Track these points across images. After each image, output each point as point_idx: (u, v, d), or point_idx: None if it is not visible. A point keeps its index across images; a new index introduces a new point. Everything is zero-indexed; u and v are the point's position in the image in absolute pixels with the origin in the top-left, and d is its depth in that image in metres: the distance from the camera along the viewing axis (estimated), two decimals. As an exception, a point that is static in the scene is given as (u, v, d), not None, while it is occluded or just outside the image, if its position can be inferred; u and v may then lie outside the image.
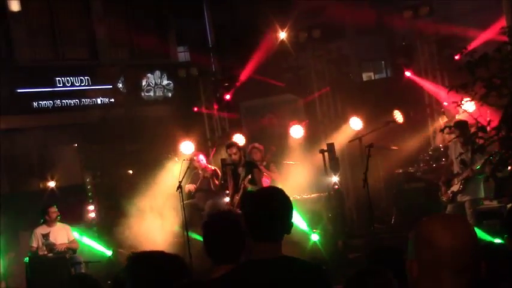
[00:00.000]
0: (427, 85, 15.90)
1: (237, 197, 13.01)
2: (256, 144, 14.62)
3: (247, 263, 3.94)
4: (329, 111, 17.35)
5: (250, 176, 12.95)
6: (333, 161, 14.87)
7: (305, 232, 13.32)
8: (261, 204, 3.88)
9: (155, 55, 21.15)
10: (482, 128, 8.41)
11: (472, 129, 9.61)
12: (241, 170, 13.11)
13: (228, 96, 18.61)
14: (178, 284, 3.04)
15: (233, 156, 13.22)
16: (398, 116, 14.56)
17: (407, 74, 16.05)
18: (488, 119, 8.80)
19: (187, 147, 16.39)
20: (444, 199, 11.91)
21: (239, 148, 13.44)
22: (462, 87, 9.19)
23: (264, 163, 14.29)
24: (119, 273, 4.80)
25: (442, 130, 9.02)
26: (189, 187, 14.83)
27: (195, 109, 18.79)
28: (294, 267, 3.82)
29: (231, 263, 4.08)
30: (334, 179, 14.63)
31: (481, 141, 8.60)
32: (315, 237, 13.32)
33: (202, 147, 17.56)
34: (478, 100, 9.15)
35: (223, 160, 14.87)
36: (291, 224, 3.89)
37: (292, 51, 17.58)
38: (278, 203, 3.87)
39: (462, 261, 2.47)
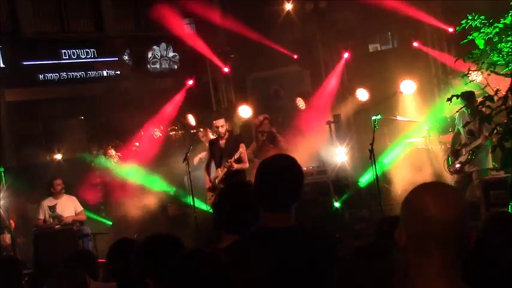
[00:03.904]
0: (436, 54, 15.82)
1: (220, 172, 12.37)
2: (267, 116, 14.60)
3: (256, 232, 3.91)
4: (336, 82, 17.27)
5: (238, 156, 12.23)
6: (340, 132, 14.87)
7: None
8: (271, 174, 3.83)
9: (161, 27, 21.07)
10: (489, 98, 8.35)
11: (480, 99, 9.55)
12: (223, 143, 12.47)
13: (226, 69, 18.52)
14: (185, 252, 3.04)
15: (220, 129, 12.40)
16: (405, 87, 14.51)
17: (415, 44, 15.95)
18: (495, 88, 8.75)
19: (192, 119, 16.44)
20: (451, 169, 11.90)
21: (226, 120, 12.90)
22: (469, 57, 9.12)
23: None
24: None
25: (448, 100, 8.94)
26: (200, 155, 14.67)
27: (191, 82, 18.64)
28: (303, 237, 3.79)
29: (240, 233, 4.07)
30: (341, 150, 14.62)
31: (488, 111, 8.55)
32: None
33: (209, 119, 17.55)
34: (485, 69, 9.09)
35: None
36: (300, 193, 3.83)
37: (298, 22, 17.48)
38: (288, 172, 3.81)
39: (451, 232, 2.43)
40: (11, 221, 13.38)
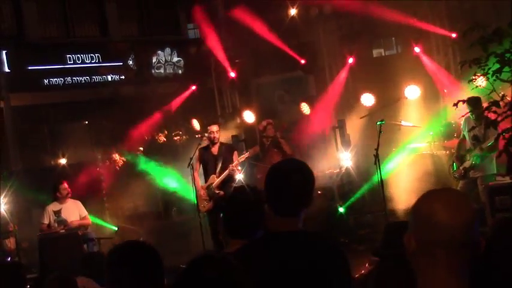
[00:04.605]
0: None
1: (216, 178, 12.35)
2: (271, 120, 14.61)
3: (261, 237, 3.93)
4: (340, 87, 17.25)
5: (243, 159, 12.62)
6: (344, 138, 14.86)
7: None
8: (277, 178, 3.81)
9: (165, 32, 21.09)
10: (495, 103, 8.33)
11: (485, 104, 9.53)
12: (216, 151, 12.47)
13: (233, 74, 18.48)
14: (195, 258, 3.04)
15: (215, 134, 12.38)
16: (410, 92, 14.47)
17: (416, 50, 15.91)
18: (501, 94, 8.73)
19: (196, 124, 16.46)
20: (456, 175, 11.89)
21: (219, 126, 13.01)
22: (475, 63, 9.08)
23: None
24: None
25: (455, 105, 8.93)
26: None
27: (193, 87, 18.65)
28: (304, 238, 3.78)
29: (244, 237, 4.07)
30: (346, 155, 14.61)
31: (493, 116, 8.53)
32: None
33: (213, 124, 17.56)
34: (491, 75, 9.07)
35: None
36: (309, 198, 3.80)
37: (302, 28, 17.46)
38: (294, 177, 3.76)
39: (460, 238, 2.43)
40: (15, 225, 13.39)
